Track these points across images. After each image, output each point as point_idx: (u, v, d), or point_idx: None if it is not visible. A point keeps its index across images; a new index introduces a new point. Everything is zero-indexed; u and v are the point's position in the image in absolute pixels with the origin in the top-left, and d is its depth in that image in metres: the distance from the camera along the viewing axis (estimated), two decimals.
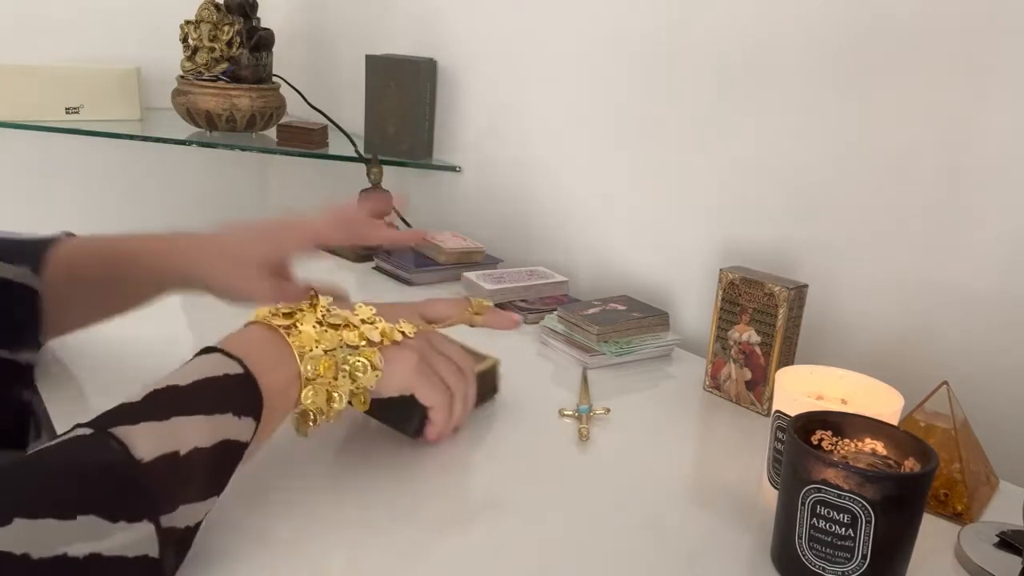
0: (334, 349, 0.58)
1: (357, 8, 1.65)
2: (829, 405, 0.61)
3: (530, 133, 1.26)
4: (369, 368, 0.58)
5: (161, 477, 0.44)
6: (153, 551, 0.43)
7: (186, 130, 1.54)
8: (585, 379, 0.85)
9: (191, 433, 0.47)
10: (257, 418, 0.51)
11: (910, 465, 0.53)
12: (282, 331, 0.56)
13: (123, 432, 0.44)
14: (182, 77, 1.49)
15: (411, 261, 1.17)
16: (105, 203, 1.80)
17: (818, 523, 0.51)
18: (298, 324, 0.57)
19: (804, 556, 0.52)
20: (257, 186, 2.02)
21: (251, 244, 0.67)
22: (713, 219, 1.00)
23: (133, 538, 0.42)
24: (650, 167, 1.08)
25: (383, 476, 0.64)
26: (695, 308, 1.03)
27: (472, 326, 0.72)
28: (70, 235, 0.71)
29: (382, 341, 0.61)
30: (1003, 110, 0.73)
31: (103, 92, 1.61)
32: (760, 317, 0.80)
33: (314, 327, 0.58)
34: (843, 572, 0.51)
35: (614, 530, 0.59)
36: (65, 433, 0.45)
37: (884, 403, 0.60)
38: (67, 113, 1.57)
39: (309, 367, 0.56)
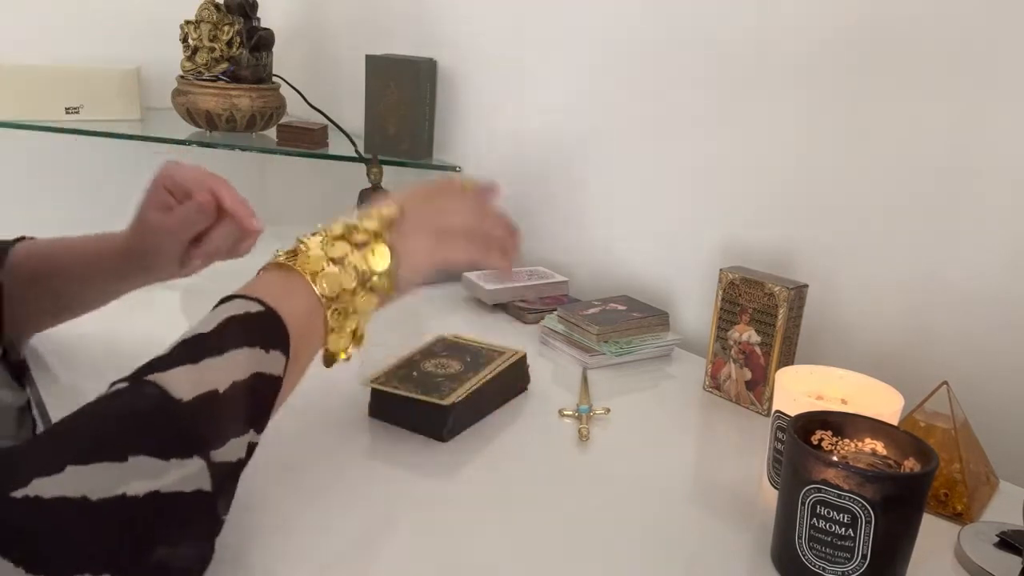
0: (344, 257, 0.56)
1: (357, 8, 1.66)
2: (829, 405, 0.61)
3: (530, 133, 1.26)
4: (380, 254, 0.57)
5: (203, 414, 0.45)
6: (206, 485, 0.43)
7: (186, 130, 1.54)
8: (585, 379, 0.85)
9: (224, 370, 0.47)
10: (286, 351, 0.51)
11: (910, 465, 0.53)
12: (288, 263, 0.56)
13: (158, 378, 0.45)
14: (182, 77, 1.49)
15: None
16: (105, 203, 1.79)
17: (818, 523, 0.51)
18: (304, 250, 0.57)
19: (804, 556, 0.52)
20: (257, 186, 2.02)
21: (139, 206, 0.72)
22: (713, 219, 1.00)
23: (187, 473, 0.42)
24: (650, 167, 1.08)
25: (383, 476, 0.64)
26: (695, 308, 1.03)
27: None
28: (28, 238, 0.74)
29: (382, 227, 0.59)
30: (1003, 110, 0.73)
31: (103, 92, 1.61)
32: (760, 317, 0.80)
33: (319, 247, 0.57)
34: (843, 572, 0.51)
35: (614, 530, 0.59)
36: (104, 392, 0.46)
37: (884, 403, 0.60)
38: (67, 113, 1.57)
39: (325, 284, 0.55)
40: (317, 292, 0.55)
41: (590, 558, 0.55)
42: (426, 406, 0.68)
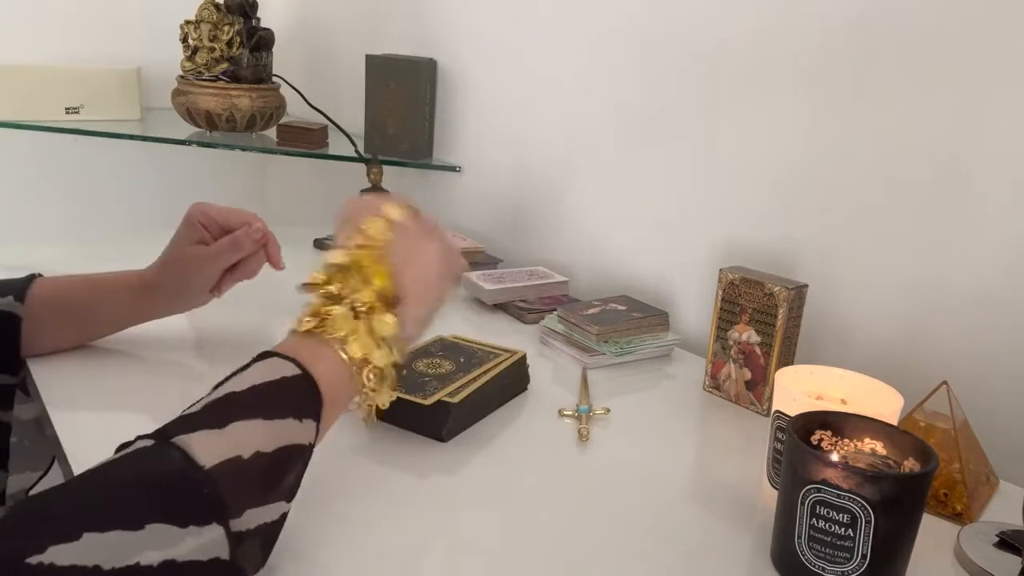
0: (358, 318, 0.56)
1: (357, 8, 1.66)
2: (829, 405, 0.61)
3: (530, 133, 1.26)
4: (383, 319, 0.57)
5: (225, 481, 0.44)
6: (224, 554, 0.43)
7: (186, 130, 1.54)
8: (585, 379, 0.85)
9: (251, 437, 0.47)
10: (317, 419, 0.51)
11: (910, 465, 0.53)
12: (315, 330, 0.55)
13: (183, 441, 0.44)
14: (182, 77, 1.49)
15: None
16: (105, 203, 1.80)
17: (818, 523, 0.51)
18: (328, 314, 0.56)
19: (804, 556, 0.52)
20: (257, 186, 2.02)
21: (174, 238, 0.80)
22: (713, 219, 1.00)
23: (203, 542, 0.42)
24: (650, 167, 1.08)
25: (382, 476, 0.64)
26: (695, 308, 1.03)
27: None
28: (40, 276, 0.77)
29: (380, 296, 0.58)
30: (1003, 110, 0.73)
31: (103, 92, 1.61)
32: (760, 317, 0.80)
33: (345, 311, 0.56)
34: (843, 572, 0.51)
35: (613, 530, 0.59)
36: (125, 445, 0.45)
37: (884, 403, 0.60)
38: (67, 113, 1.57)
39: (356, 347, 0.55)
40: (345, 358, 0.54)
41: (590, 558, 0.55)
42: (418, 406, 0.68)
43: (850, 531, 0.50)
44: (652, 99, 1.06)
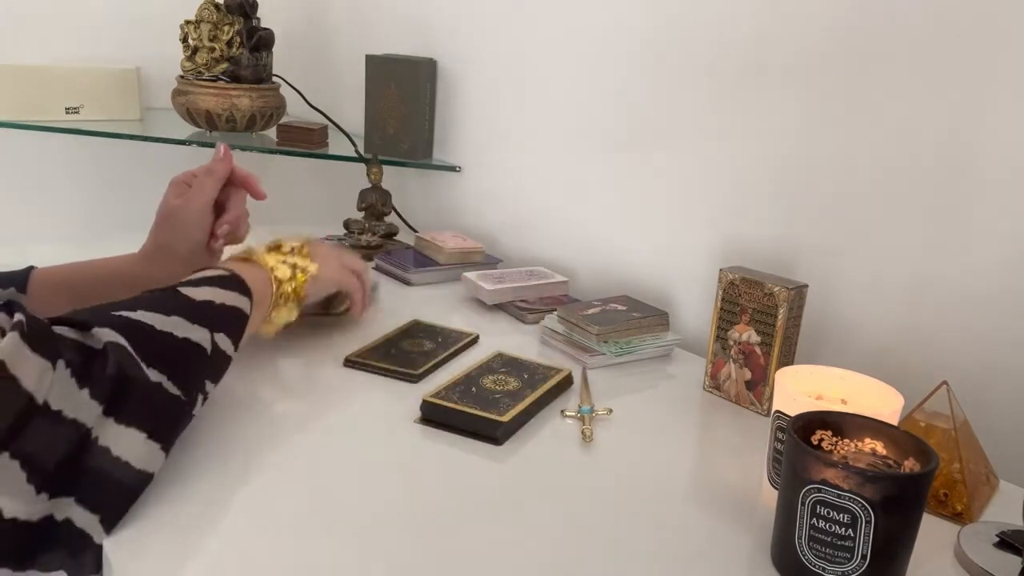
0: (284, 259, 0.80)
1: (357, 8, 1.65)
2: (829, 405, 0.61)
3: (530, 133, 1.26)
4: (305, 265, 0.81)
5: (207, 309, 0.65)
6: (208, 348, 0.63)
7: (186, 130, 1.54)
8: (585, 379, 0.85)
9: (216, 295, 0.67)
10: (251, 299, 0.71)
11: (910, 465, 0.53)
12: (247, 260, 0.78)
13: (180, 288, 0.66)
14: (182, 77, 1.49)
15: (411, 261, 1.17)
16: (105, 203, 1.80)
17: (818, 523, 0.51)
18: (252, 255, 0.79)
19: (804, 556, 0.52)
20: None
21: (163, 200, 0.89)
22: (713, 219, 1.00)
23: (201, 336, 0.62)
24: (650, 167, 1.08)
25: (384, 476, 0.64)
26: (695, 308, 1.03)
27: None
28: (34, 268, 0.79)
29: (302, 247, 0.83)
30: (1004, 110, 0.73)
31: (103, 92, 1.61)
32: (760, 317, 0.80)
33: (266, 252, 0.80)
34: (843, 572, 0.51)
35: (613, 530, 0.59)
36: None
37: (884, 403, 0.60)
38: (67, 113, 1.57)
39: (276, 273, 0.78)
40: (271, 277, 0.77)
41: (590, 557, 0.55)
42: (484, 420, 0.71)
43: (850, 531, 0.50)
44: (652, 98, 1.06)
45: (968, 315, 0.77)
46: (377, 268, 1.19)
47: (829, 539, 0.50)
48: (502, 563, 0.54)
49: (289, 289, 0.78)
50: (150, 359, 0.56)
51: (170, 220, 0.85)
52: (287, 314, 0.79)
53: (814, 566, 0.51)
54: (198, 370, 0.62)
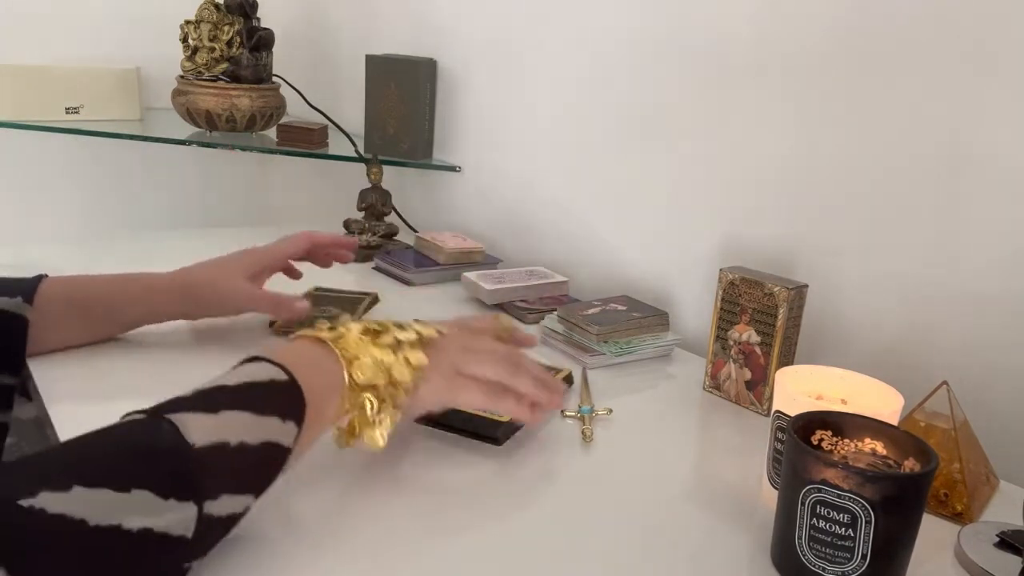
0: (382, 355, 0.59)
1: (357, 8, 1.66)
2: (829, 405, 0.61)
3: (530, 133, 1.26)
4: (415, 362, 0.61)
5: (209, 464, 0.46)
6: (189, 532, 0.44)
7: (186, 130, 1.54)
8: (585, 379, 0.85)
9: (239, 428, 0.48)
10: (300, 424, 0.53)
11: (910, 465, 0.53)
12: (329, 341, 0.58)
13: (177, 418, 0.46)
14: (182, 77, 1.49)
15: (411, 261, 1.17)
16: (105, 203, 1.80)
17: (818, 523, 0.51)
18: (343, 334, 0.59)
19: (804, 556, 0.52)
20: (257, 186, 2.02)
21: (235, 257, 0.82)
22: (713, 219, 1.00)
23: (179, 517, 0.43)
24: (650, 167, 1.08)
25: (385, 476, 0.64)
26: (695, 308, 1.03)
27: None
28: (46, 276, 0.76)
29: (419, 338, 0.63)
30: (1004, 110, 0.73)
31: (103, 92, 1.61)
32: (760, 317, 0.80)
33: (359, 337, 0.59)
34: (843, 572, 0.51)
35: (614, 530, 0.59)
36: (121, 420, 0.47)
37: (884, 403, 0.60)
38: (67, 113, 1.57)
39: (359, 374, 0.57)
40: (347, 377, 0.57)
41: (591, 557, 0.55)
42: (484, 420, 0.70)
43: (850, 531, 0.50)
44: (652, 98, 1.06)
45: (968, 315, 0.77)
46: (377, 268, 1.20)
47: (829, 539, 0.50)
48: (502, 563, 0.54)
49: (378, 384, 0.58)
50: None
51: (217, 292, 0.80)
52: (374, 437, 0.59)
53: (814, 566, 0.51)
54: (157, 570, 0.44)
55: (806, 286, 0.80)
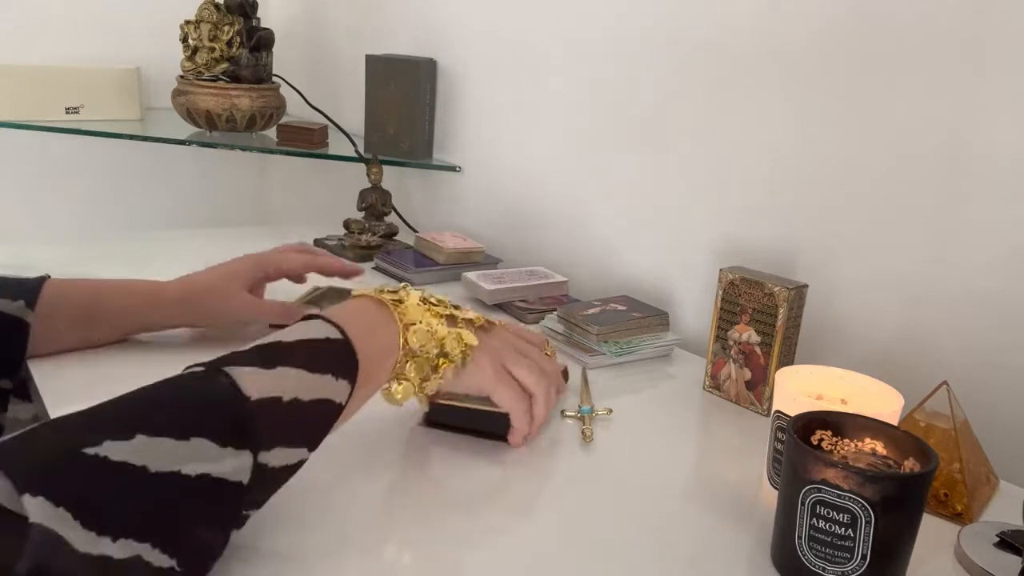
0: (437, 325, 0.62)
1: (357, 8, 1.66)
2: (829, 405, 0.61)
3: (530, 133, 1.26)
4: (467, 339, 0.63)
5: (264, 416, 0.48)
6: (245, 479, 0.46)
7: (186, 130, 1.54)
8: (585, 379, 0.85)
9: (293, 383, 0.50)
10: (352, 383, 0.55)
11: (910, 465, 0.53)
12: (390, 303, 0.60)
13: (234, 371, 0.48)
14: (182, 77, 1.49)
15: (411, 261, 1.17)
16: (105, 203, 1.80)
17: (818, 523, 0.51)
18: (404, 299, 0.62)
19: (804, 556, 0.52)
20: (257, 186, 2.02)
21: (237, 266, 0.81)
22: (713, 219, 1.00)
23: (236, 464, 0.45)
24: (650, 166, 1.08)
25: (385, 477, 0.64)
26: (695, 308, 1.03)
27: None
28: (49, 277, 0.76)
29: (473, 322, 0.66)
30: (1004, 110, 0.73)
31: (103, 92, 1.61)
32: (760, 317, 0.80)
33: (418, 303, 0.62)
34: (843, 572, 0.51)
35: (614, 530, 0.59)
36: (180, 373, 0.50)
37: (884, 403, 0.60)
38: (67, 113, 1.57)
39: (414, 339, 0.59)
40: (401, 340, 0.59)
41: (591, 558, 0.55)
42: (493, 416, 0.69)
43: (850, 531, 0.50)
44: (652, 98, 1.06)
45: (968, 315, 0.77)
46: (377, 268, 1.20)
47: (829, 539, 0.50)
48: (502, 563, 0.54)
49: (427, 353, 0.60)
50: (119, 528, 0.40)
51: (219, 302, 0.80)
52: (407, 389, 0.60)
53: (814, 566, 0.51)
54: (217, 513, 0.45)
55: (806, 286, 0.80)
